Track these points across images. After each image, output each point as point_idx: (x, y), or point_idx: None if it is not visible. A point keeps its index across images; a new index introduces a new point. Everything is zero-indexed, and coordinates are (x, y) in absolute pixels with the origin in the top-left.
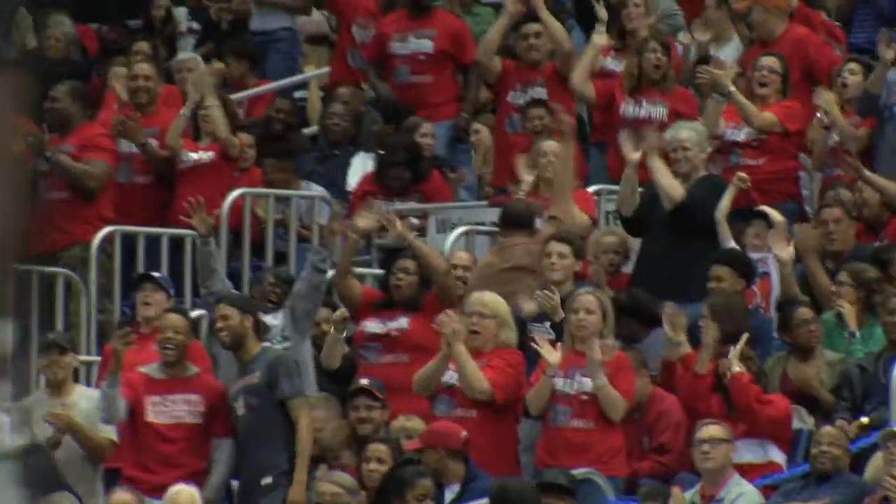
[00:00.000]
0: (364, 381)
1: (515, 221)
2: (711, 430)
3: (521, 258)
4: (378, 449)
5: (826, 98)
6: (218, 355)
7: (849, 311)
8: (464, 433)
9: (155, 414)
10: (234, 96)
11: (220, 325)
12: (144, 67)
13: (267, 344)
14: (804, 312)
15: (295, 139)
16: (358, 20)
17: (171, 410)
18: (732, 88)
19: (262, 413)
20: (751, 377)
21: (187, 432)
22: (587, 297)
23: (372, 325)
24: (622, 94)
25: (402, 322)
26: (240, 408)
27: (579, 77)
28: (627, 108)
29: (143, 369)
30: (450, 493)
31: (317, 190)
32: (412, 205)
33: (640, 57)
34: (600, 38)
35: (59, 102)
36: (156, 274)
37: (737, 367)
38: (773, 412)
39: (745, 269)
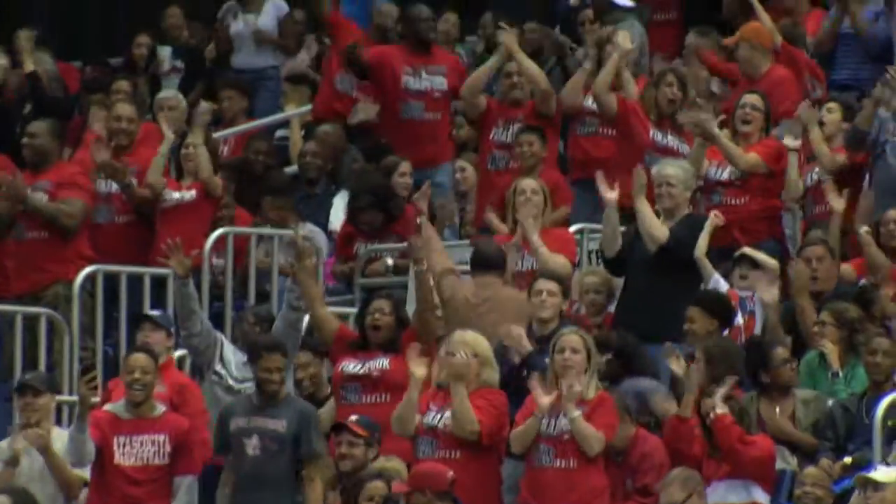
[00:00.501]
0: (353, 418)
1: (486, 262)
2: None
3: (501, 298)
4: (376, 486)
5: (808, 115)
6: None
7: (831, 350)
8: (450, 474)
9: (122, 456)
10: (225, 133)
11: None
12: (126, 108)
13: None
14: (782, 352)
15: (275, 178)
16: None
17: (137, 452)
18: (716, 132)
19: (278, 460)
20: (733, 418)
21: (154, 473)
22: (572, 337)
23: (350, 366)
24: (649, 122)
25: (383, 362)
26: (251, 447)
27: (602, 86)
28: (657, 135)
29: (108, 408)
30: None
31: (308, 228)
32: (389, 244)
33: (656, 89)
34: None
35: (38, 139)
36: (155, 313)
37: (720, 409)
38: (756, 453)
39: (718, 310)
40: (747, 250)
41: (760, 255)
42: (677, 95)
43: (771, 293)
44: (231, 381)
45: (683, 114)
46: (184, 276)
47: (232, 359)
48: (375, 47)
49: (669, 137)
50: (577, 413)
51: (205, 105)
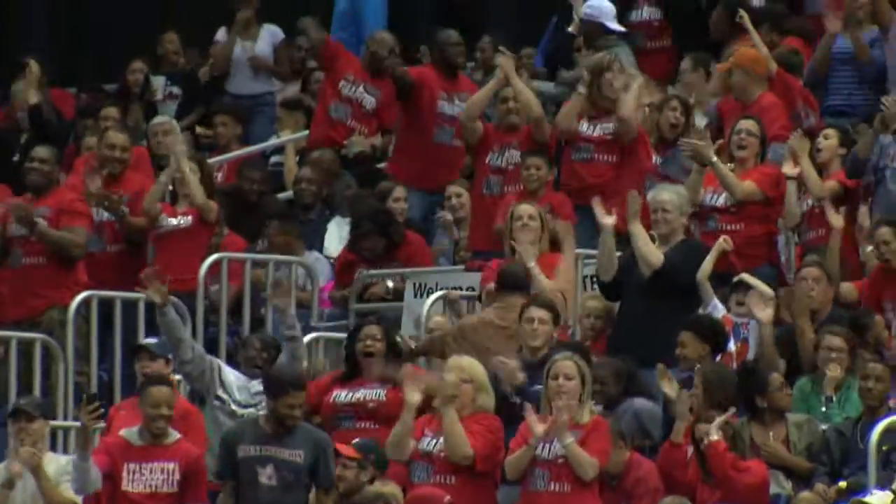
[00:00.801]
0: (356, 441)
1: (513, 283)
2: None
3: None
4: None
5: (799, 144)
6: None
7: (833, 377)
8: (447, 498)
9: (132, 482)
10: (219, 158)
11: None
12: (119, 137)
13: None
14: (778, 377)
15: (268, 204)
16: (347, 76)
17: (147, 479)
18: (715, 159)
19: (295, 491)
20: (726, 445)
21: (162, 501)
22: (566, 363)
23: (343, 395)
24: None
25: (379, 393)
26: (265, 476)
27: (630, 109)
28: (657, 160)
29: (123, 434)
30: None
31: (315, 256)
32: (388, 269)
33: (659, 114)
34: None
35: (46, 165)
36: (151, 341)
37: (715, 436)
38: (750, 480)
39: (710, 335)
40: (745, 276)
41: (757, 282)
42: (680, 120)
43: (766, 313)
44: (234, 406)
45: (682, 140)
46: (162, 304)
47: (234, 382)
48: (415, 68)
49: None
50: (570, 439)
51: (179, 137)
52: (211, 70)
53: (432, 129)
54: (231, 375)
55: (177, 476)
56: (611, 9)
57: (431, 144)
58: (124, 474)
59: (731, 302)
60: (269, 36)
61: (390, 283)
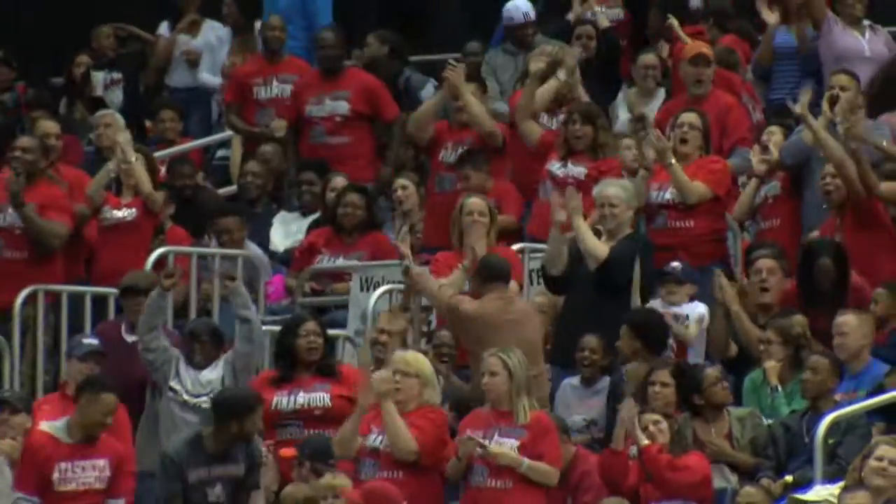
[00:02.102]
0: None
1: (495, 274)
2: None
3: (522, 313)
4: None
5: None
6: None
7: (771, 367)
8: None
9: (63, 482)
10: (165, 153)
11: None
12: (49, 125)
13: None
14: (713, 372)
15: (205, 197)
16: (256, 81)
17: (79, 477)
18: (673, 161)
19: (236, 500)
20: (660, 447)
21: (92, 498)
22: (492, 359)
23: (284, 401)
24: (556, 154)
25: (323, 398)
26: (213, 496)
27: (521, 114)
28: (553, 165)
29: (48, 429)
30: None
31: (252, 248)
32: (340, 261)
33: (565, 128)
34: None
35: (31, 154)
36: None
37: (644, 441)
38: (689, 478)
39: (644, 331)
40: (675, 264)
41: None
42: (585, 131)
43: (720, 293)
44: (186, 397)
45: (651, 134)
46: (167, 288)
47: (187, 375)
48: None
49: (569, 167)
50: (525, 463)
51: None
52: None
53: (306, 132)
54: (184, 368)
55: (107, 473)
56: (525, 5)
57: (311, 147)
58: (55, 475)
59: (662, 294)
60: (209, 31)
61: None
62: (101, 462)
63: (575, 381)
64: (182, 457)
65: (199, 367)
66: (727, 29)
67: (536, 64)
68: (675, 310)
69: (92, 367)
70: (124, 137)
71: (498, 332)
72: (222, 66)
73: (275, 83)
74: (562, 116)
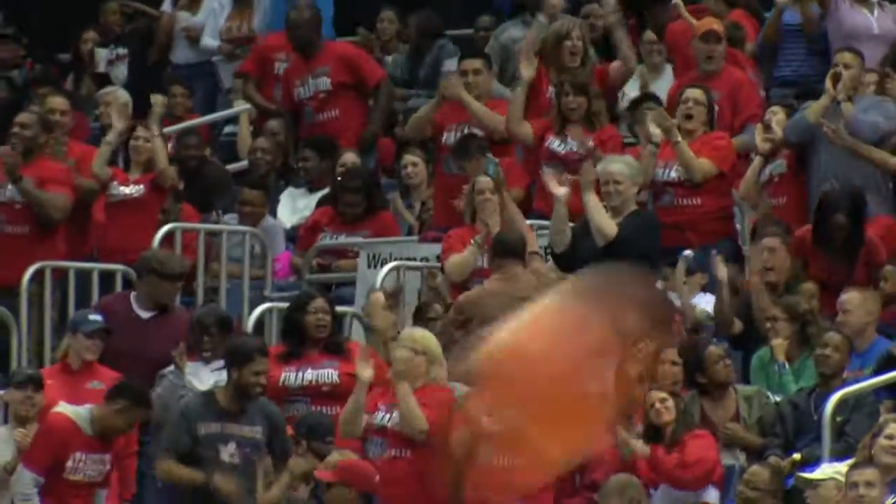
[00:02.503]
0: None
1: (511, 250)
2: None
3: (529, 288)
4: None
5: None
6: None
7: (778, 344)
8: (377, 477)
9: (74, 472)
10: (173, 128)
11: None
12: (58, 101)
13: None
14: (716, 350)
15: (212, 172)
16: (279, 56)
17: (87, 469)
18: (680, 139)
19: (253, 465)
20: (663, 450)
21: (89, 489)
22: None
23: (292, 376)
24: (551, 131)
25: (332, 375)
26: (227, 454)
27: (514, 120)
28: (553, 143)
29: (73, 417)
30: None
31: (270, 221)
32: (343, 238)
33: (558, 100)
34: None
35: (29, 130)
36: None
37: (639, 449)
38: (699, 472)
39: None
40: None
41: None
42: (578, 102)
43: (723, 270)
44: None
45: (654, 114)
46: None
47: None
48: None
49: (569, 143)
50: None
51: (159, 98)
52: (157, 41)
53: (301, 115)
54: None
55: (108, 467)
56: None
57: (306, 128)
58: (69, 463)
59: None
60: (209, 8)
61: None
62: (107, 457)
63: None
64: (192, 409)
65: (207, 358)
66: (735, 3)
67: (528, 71)
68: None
69: (98, 343)
70: (123, 123)
71: (507, 309)
72: (220, 31)
73: None
74: None
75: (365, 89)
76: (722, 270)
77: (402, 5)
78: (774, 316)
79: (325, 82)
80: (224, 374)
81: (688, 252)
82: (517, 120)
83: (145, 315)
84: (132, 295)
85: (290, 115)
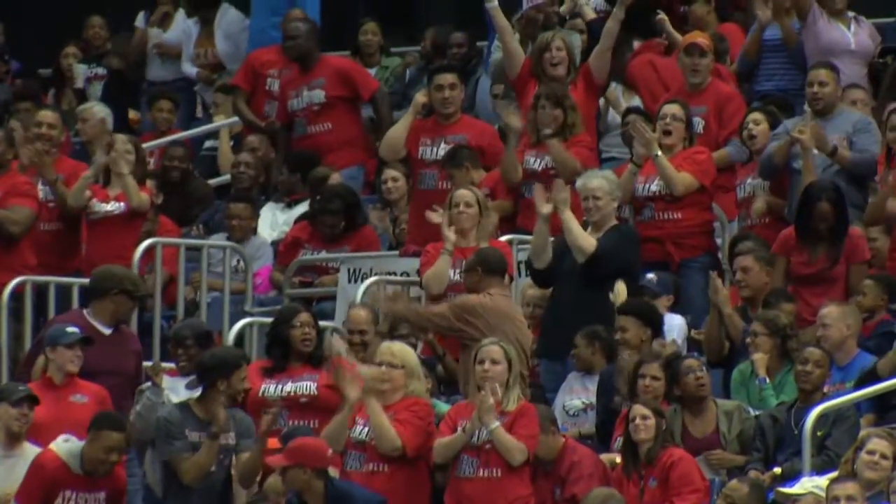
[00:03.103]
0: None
1: (495, 268)
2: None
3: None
4: None
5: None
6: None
7: (759, 359)
8: (330, 451)
9: None
10: (154, 143)
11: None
12: (49, 115)
13: None
14: (689, 363)
15: (194, 186)
16: (271, 73)
17: None
18: (659, 153)
19: (224, 470)
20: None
21: None
22: (493, 348)
23: (271, 388)
24: (526, 148)
25: (310, 386)
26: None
27: (511, 172)
28: (529, 159)
29: (63, 456)
30: None
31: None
32: (323, 254)
33: (535, 112)
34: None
35: None
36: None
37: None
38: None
39: (649, 318)
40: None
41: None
42: (554, 114)
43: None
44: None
45: (635, 124)
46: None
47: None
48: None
49: (546, 159)
50: (496, 424)
51: (120, 137)
52: (128, 59)
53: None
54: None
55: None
56: None
57: (297, 140)
58: (58, 500)
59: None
60: (182, 24)
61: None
62: (101, 494)
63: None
64: (177, 417)
65: (184, 371)
66: (726, 17)
67: (513, 120)
68: None
69: (79, 354)
70: (103, 158)
71: (508, 323)
72: (191, 57)
73: None
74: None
75: (359, 102)
76: (720, 293)
77: (384, 19)
78: (755, 331)
79: (319, 95)
80: (198, 389)
81: (650, 275)
82: (513, 169)
83: (107, 331)
84: (85, 312)
85: (284, 128)
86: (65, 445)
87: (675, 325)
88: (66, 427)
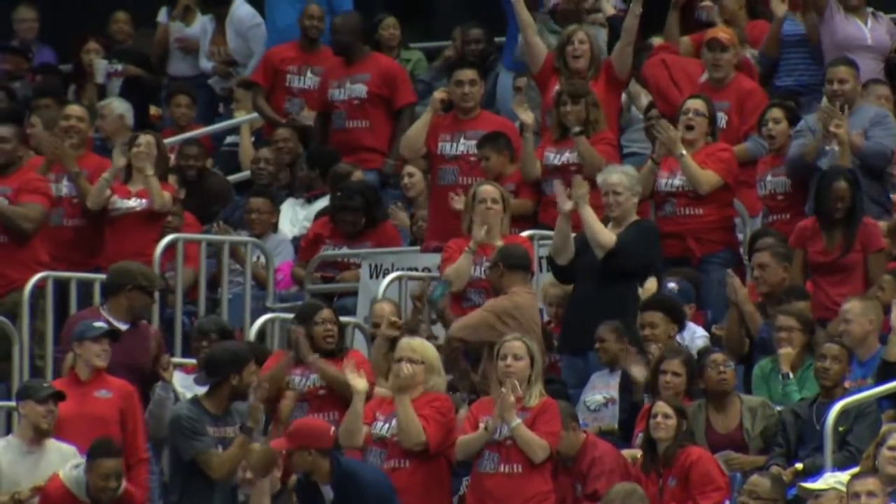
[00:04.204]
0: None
1: (518, 263)
2: None
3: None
4: None
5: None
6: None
7: (786, 354)
8: (332, 430)
9: None
10: (175, 139)
11: None
12: (77, 108)
13: None
14: (715, 357)
15: (211, 183)
16: (290, 69)
17: None
18: (683, 152)
19: None
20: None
21: None
22: (515, 343)
23: (295, 380)
24: (547, 144)
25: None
26: None
27: (529, 167)
28: (549, 155)
29: (70, 485)
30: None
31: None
32: (345, 250)
33: (557, 109)
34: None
35: (8, 143)
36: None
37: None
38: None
39: (676, 313)
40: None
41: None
42: (575, 110)
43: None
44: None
45: (659, 123)
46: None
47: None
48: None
49: (566, 155)
50: (517, 421)
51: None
52: (154, 53)
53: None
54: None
55: None
56: None
57: (333, 132)
58: None
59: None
60: (202, 23)
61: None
62: None
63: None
64: (196, 413)
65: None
66: (757, 14)
67: (526, 116)
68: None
69: (106, 348)
70: (122, 160)
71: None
72: (207, 54)
73: (309, 73)
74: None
75: (393, 108)
76: (733, 294)
77: (402, 14)
78: (787, 326)
79: (361, 89)
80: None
81: (672, 285)
82: (531, 164)
83: (123, 327)
84: (102, 309)
85: (320, 118)
86: (72, 473)
87: (697, 336)
88: (88, 422)
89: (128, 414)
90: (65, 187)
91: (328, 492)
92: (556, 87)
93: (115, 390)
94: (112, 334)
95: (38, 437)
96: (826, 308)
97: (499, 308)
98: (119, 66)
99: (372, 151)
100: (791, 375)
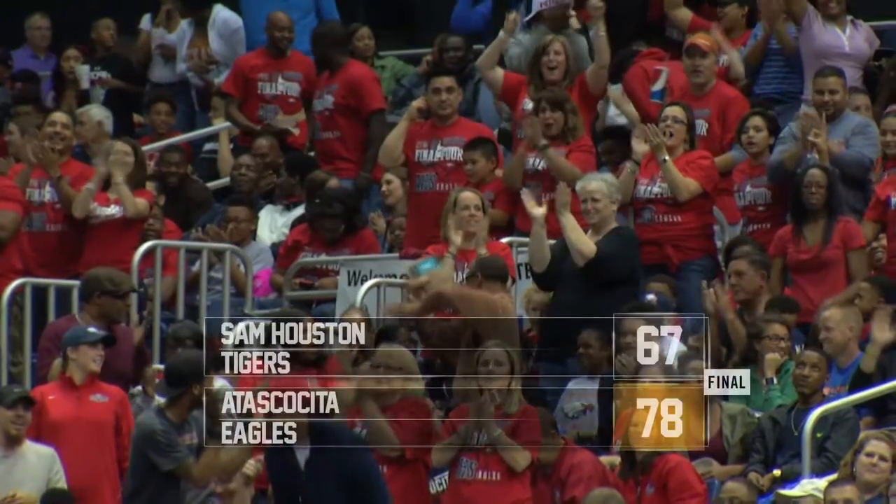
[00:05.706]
0: None
1: (496, 273)
2: None
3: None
4: None
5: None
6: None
7: (773, 359)
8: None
9: None
10: (154, 146)
11: None
12: (61, 116)
13: None
14: (694, 364)
15: (192, 190)
16: (260, 76)
17: None
18: (668, 158)
19: None
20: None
21: None
22: (497, 350)
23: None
24: (528, 149)
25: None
26: None
27: (516, 177)
28: (530, 160)
29: None
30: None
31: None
32: (323, 257)
33: (536, 116)
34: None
35: None
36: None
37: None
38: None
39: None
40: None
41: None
42: (554, 118)
43: (722, 301)
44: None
45: (641, 130)
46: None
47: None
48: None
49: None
50: (498, 431)
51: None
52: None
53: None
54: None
55: None
56: None
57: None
58: None
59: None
60: (187, 27)
61: None
62: None
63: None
64: (166, 426)
65: None
66: (754, 22)
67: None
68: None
69: (101, 353)
70: (104, 168)
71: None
72: (184, 58)
73: (280, 80)
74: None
75: (361, 116)
76: (721, 299)
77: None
78: (783, 335)
79: (329, 100)
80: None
81: (651, 296)
82: (518, 176)
83: (101, 333)
84: (78, 316)
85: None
86: None
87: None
88: (85, 426)
89: (122, 418)
90: (48, 193)
91: (304, 453)
92: (526, 99)
93: (110, 395)
94: (107, 339)
95: (9, 442)
96: (805, 311)
97: (496, 303)
98: (103, 74)
99: (345, 160)
100: (775, 381)
